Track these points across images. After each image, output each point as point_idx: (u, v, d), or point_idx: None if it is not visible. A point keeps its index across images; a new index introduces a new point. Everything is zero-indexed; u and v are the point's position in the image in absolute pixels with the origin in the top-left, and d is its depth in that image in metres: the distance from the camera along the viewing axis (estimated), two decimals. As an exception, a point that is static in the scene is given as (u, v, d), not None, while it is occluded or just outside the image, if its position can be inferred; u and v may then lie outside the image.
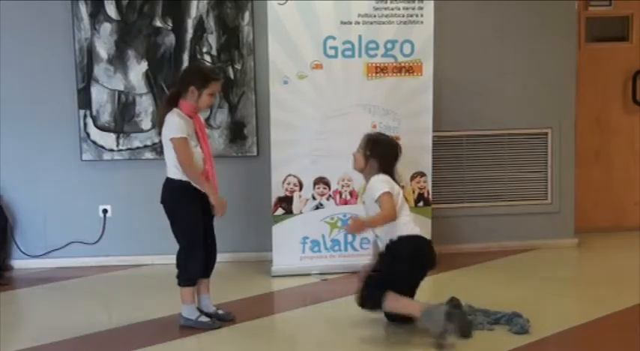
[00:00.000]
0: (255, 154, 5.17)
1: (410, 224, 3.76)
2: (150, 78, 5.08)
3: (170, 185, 3.83)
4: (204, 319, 3.89)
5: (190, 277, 3.86)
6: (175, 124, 3.73)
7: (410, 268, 3.74)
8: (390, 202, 3.65)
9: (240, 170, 5.15)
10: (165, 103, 3.88)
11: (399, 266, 3.70)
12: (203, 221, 3.84)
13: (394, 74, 4.79)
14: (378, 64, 4.77)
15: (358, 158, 3.91)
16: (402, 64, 4.79)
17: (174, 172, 3.80)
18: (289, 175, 4.77)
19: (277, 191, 4.81)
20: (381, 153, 3.88)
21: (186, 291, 3.87)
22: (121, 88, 5.09)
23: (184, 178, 3.76)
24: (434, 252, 3.80)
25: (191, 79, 3.80)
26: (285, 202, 4.80)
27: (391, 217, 3.63)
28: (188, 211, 3.78)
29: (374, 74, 4.78)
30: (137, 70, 5.08)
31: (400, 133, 4.82)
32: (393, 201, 3.67)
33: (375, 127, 4.80)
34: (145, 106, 5.10)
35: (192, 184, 3.76)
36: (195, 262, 3.81)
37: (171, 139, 3.74)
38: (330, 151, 4.74)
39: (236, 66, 5.11)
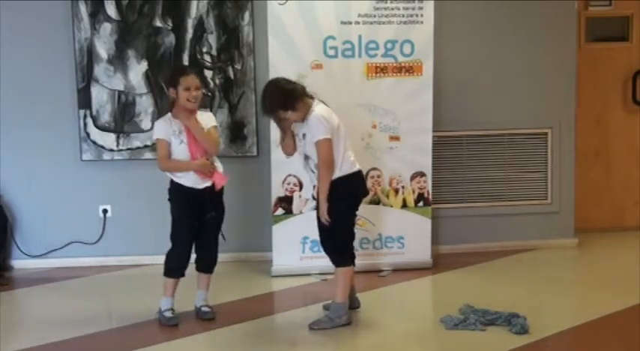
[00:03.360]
0: (255, 154, 5.18)
1: (349, 165, 3.87)
2: (150, 78, 5.08)
3: (170, 186, 4.02)
4: (167, 314, 3.99)
5: (168, 268, 4.00)
6: (156, 126, 3.96)
7: (351, 204, 3.97)
8: (329, 150, 3.75)
9: (241, 170, 5.14)
10: (169, 109, 4.04)
11: (342, 204, 3.86)
12: (194, 221, 3.95)
13: (394, 74, 4.79)
14: (378, 64, 4.78)
15: (282, 126, 3.86)
16: (402, 64, 4.80)
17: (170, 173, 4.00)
18: (289, 175, 4.77)
19: (277, 191, 4.81)
20: (293, 98, 3.77)
21: (166, 282, 4.01)
22: (121, 88, 5.09)
23: (174, 179, 3.94)
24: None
25: (167, 83, 4.02)
26: (285, 202, 4.80)
27: (330, 165, 3.76)
28: (174, 209, 3.97)
29: (374, 74, 4.78)
30: (137, 70, 5.07)
31: (400, 133, 4.85)
32: (332, 147, 3.76)
33: (375, 127, 4.83)
34: (145, 106, 5.11)
35: (185, 185, 3.90)
36: (174, 255, 3.97)
37: (155, 140, 3.97)
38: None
39: (236, 66, 5.11)
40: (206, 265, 4.09)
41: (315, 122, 3.78)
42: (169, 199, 3.99)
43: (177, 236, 3.97)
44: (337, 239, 3.95)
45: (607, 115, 5.83)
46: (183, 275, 4.01)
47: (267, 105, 3.79)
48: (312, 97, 3.88)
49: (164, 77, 5.00)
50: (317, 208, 3.96)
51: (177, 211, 3.96)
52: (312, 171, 3.91)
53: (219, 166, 4.01)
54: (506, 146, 5.38)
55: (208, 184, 3.94)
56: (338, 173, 3.82)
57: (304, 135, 3.85)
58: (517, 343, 3.64)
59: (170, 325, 3.96)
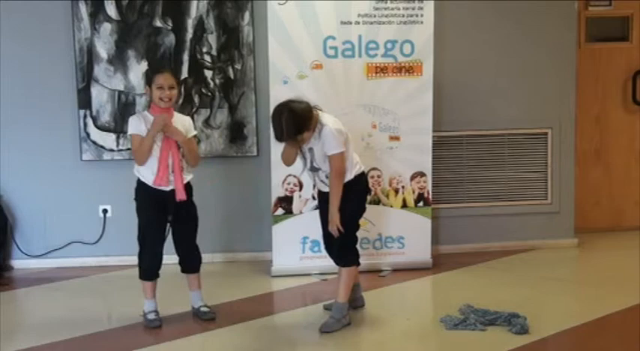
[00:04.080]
0: (255, 154, 5.17)
1: (357, 166, 3.93)
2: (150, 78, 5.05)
3: (136, 185, 3.99)
4: (149, 316, 3.97)
5: (143, 271, 3.98)
6: (130, 122, 3.94)
7: (363, 202, 4.06)
8: (343, 161, 3.82)
9: (240, 170, 5.15)
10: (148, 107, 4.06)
11: (354, 203, 3.93)
12: (164, 221, 3.92)
13: (394, 74, 4.79)
14: (378, 64, 4.78)
15: (296, 145, 3.81)
16: (402, 65, 4.79)
17: (137, 170, 3.95)
18: (289, 175, 4.76)
19: (277, 191, 4.81)
20: (308, 119, 3.73)
21: (144, 285, 4.00)
22: (121, 88, 5.09)
23: (140, 177, 3.92)
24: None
25: (145, 79, 4.17)
26: (285, 202, 4.80)
27: (343, 175, 3.83)
28: (140, 208, 3.95)
29: (374, 74, 4.79)
30: (137, 70, 5.07)
31: (400, 133, 4.85)
32: (345, 158, 3.82)
33: (375, 127, 4.84)
34: (145, 106, 5.02)
35: (149, 185, 3.86)
36: (145, 257, 3.95)
37: (129, 136, 3.98)
38: (330, 151, 4.77)
39: (236, 66, 5.11)
40: (191, 265, 4.07)
41: (330, 137, 3.76)
42: (135, 199, 3.96)
43: (145, 238, 3.93)
44: (348, 239, 3.95)
45: (607, 115, 5.83)
46: (157, 276, 3.98)
47: (286, 132, 3.68)
48: (317, 110, 3.86)
49: None
50: (321, 212, 4.02)
51: (144, 211, 3.93)
52: (322, 181, 3.93)
53: (187, 177, 3.96)
54: (506, 146, 5.37)
55: (171, 186, 3.89)
56: (349, 176, 3.86)
57: (311, 149, 3.86)
58: (517, 343, 3.63)
59: (152, 327, 3.94)
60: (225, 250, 5.16)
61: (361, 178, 3.96)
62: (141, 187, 3.93)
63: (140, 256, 3.97)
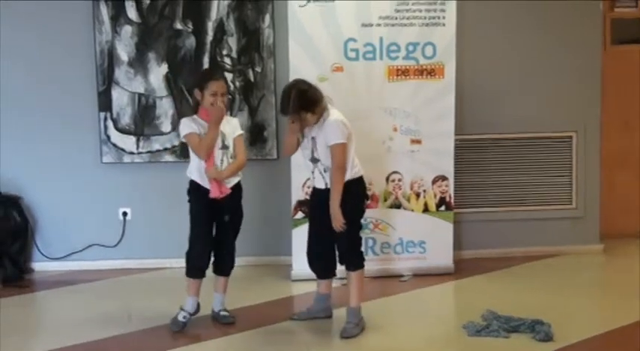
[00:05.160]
0: (275, 157, 5.18)
1: (356, 168, 3.94)
2: (170, 80, 5.10)
3: (188, 186, 4.07)
4: (181, 316, 4.00)
5: (189, 268, 4.02)
6: (182, 124, 3.99)
7: (363, 204, 4.08)
8: (344, 154, 3.84)
9: (261, 173, 5.15)
10: (193, 111, 4.08)
11: (356, 204, 3.95)
12: (212, 220, 4.01)
13: (416, 77, 4.78)
14: (399, 67, 4.77)
15: (297, 126, 3.87)
16: (424, 67, 4.78)
17: (189, 172, 4.03)
18: (309, 179, 4.62)
19: (297, 194, 4.81)
20: (315, 101, 3.84)
21: (189, 282, 4.04)
22: (142, 90, 5.11)
23: (192, 178, 4.00)
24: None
25: (194, 83, 4.08)
26: (306, 205, 4.76)
27: (344, 169, 3.85)
28: (192, 207, 4.03)
29: (395, 77, 4.77)
30: (157, 72, 5.09)
31: (422, 136, 4.83)
32: (347, 151, 3.85)
33: (396, 130, 4.82)
34: (166, 108, 5.13)
35: (201, 184, 3.96)
36: (194, 254, 4.00)
37: (184, 137, 3.98)
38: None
39: (256, 69, 5.12)
40: (223, 267, 4.11)
41: (333, 126, 3.84)
42: (189, 201, 4.04)
43: (195, 236, 4.00)
44: (354, 240, 3.97)
45: (634, 118, 5.74)
46: (204, 275, 4.03)
47: (292, 105, 3.81)
48: (328, 102, 3.93)
49: (184, 80, 5.06)
50: (312, 211, 4.11)
51: (192, 208, 4.01)
52: (321, 173, 3.95)
53: (233, 179, 4.03)
54: (530, 150, 5.33)
55: (228, 185, 3.99)
56: (348, 175, 3.87)
57: (313, 138, 3.90)
58: (541, 350, 3.60)
59: (175, 328, 3.98)
60: (244, 254, 5.01)
61: (360, 182, 3.97)
62: (193, 188, 4.00)
63: (188, 254, 4.02)
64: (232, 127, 4.05)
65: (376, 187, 4.84)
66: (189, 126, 3.94)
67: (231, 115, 4.97)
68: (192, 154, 3.99)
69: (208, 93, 3.90)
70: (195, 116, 4.00)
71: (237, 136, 4.04)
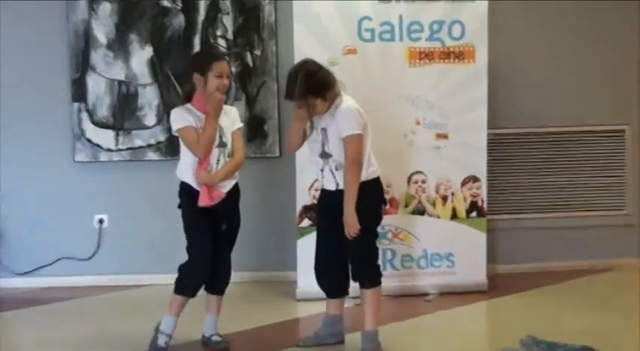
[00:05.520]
0: (277, 154, 5.18)
1: (372, 167, 3.92)
2: (155, 66, 5.11)
3: (179, 188, 4.03)
4: (161, 340, 3.93)
5: (185, 285, 3.94)
6: (175, 116, 3.93)
7: (381, 210, 4.06)
8: (360, 148, 3.82)
9: (260, 174, 5.14)
10: (183, 100, 4.06)
11: (372, 209, 3.93)
12: (211, 228, 3.95)
13: (441, 61, 4.78)
14: (422, 49, 4.76)
15: (305, 113, 3.84)
16: (451, 49, 4.79)
17: (179, 172, 3.99)
18: (318, 180, 4.55)
19: (303, 198, 4.80)
20: (326, 85, 3.82)
21: (174, 300, 3.96)
22: (122, 77, 5.12)
23: (184, 180, 3.96)
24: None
25: (192, 66, 4.00)
26: (313, 211, 4.74)
27: (360, 165, 3.83)
28: (186, 214, 3.98)
29: (417, 61, 4.76)
30: (140, 56, 5.10)
31: (449, 130, 4.85)
32: (363, 145, 3.84)
33: (418, 123, 4.83)
34: (150, 98, 5.12)
35: (194, 187, 3.91)
36: (192, 270, 3.93)
37: (177, 131, 3.92)
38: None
39: (255, 52, 5.12)
40: (218, 284, 4.05)
41: (347, 115, 3.82)
42: (180, 206, 4.00)
43: (195, 246, 3.92)
44: (369, 252, 3.94)
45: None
46: (194, 295, 3.97)
47: (298, 89, 3.77)
48: (340, 89, 3.91)
49: (172, 65, 5.08)
50: (320, 216, 4.10)
51: (191, 216, 3.95)
52: (332, 172, 3.91)
53: (229, 181, 3.98)
54: (575, 146, 5.36)
55: (223, 189, 3.95)
56: (364, 176, 3.85)
57: (324, 130, 3.88)
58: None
59: None
60: (241, 269, 4.99)
61: (376, 184, 3.96)
62: (185, 190, 3.95)
63: (185, 267, 3.95)
64: (231, 119, 4.01)
65: (396, 189, 4.83)
66: (184, 118, 3.87)
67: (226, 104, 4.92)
68: (183, 152, 3.94)
69: (213, 75, 3.85)
70: (188, 105, 3.95)
71: (236, 129, 4.00)
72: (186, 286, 3.93)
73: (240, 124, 4.07)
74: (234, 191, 4.03)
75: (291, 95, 3.83)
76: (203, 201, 3.86)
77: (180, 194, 3.99)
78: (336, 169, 3.87)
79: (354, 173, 3.79)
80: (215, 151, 3.89)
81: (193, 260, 3.92)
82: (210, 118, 3.84)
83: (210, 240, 3.95)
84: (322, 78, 3.82)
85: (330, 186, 3.92)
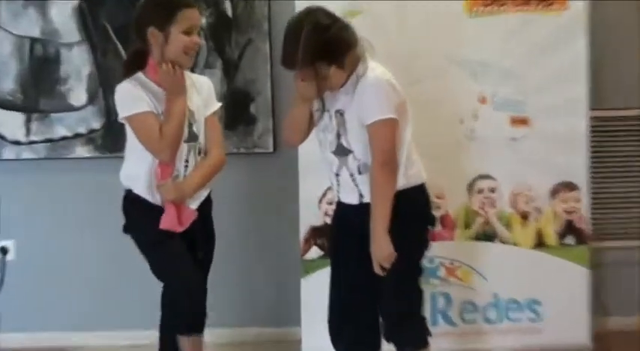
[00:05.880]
0: (269, 149, 5.50)
1: (414, 168, 4.15)
2: (85, 15, 5.40)
3: (124, 200, 4.31)
4: None
5: (188, 322, 4.33)
6: (123, 95, 4.19)
7: (427, 234, 4.25)
8: (394, 139, 4.04)
9: (246, 177, 5.45)
10: (125, 68, 4.31)
11: (414, 234, 4.16)
12: (184, 242, 4.27)
13: (518, 8, 5.12)
14: None
15: (312, 89, 4.09)
16: (533, -9, 4.80)
17: (126, 178, 4.29)
18: (331, 188, 4.64)
19: (310, 216, 5.13)
20: (343, 46, 4.04)
21: (183, 343, 4.34)
22: (36, 33, 5.44)
23: (134, 189, 4.26)
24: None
25: (147, 16, 4.23)
26: (325, 235, 5.03)
27: (395, 165, 4.06)
28: (141, 236, 4.29)
29: (481, 8, 5.08)
30: (64, 1, 5.41)
31: (529, 112, 5.15)
32: (399, 135, 4.05)
33: (484, 101, 5.16)
34: (77, 64, 5.44)
35: (150, 201, 4.25)
36: (177, 293, 4.31)
37: (126, 119, 4.19)
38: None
39: None
40: (194, 320, 4.29)
41: (375, 91, 3.98)
42: (126, 228, 4.30)
43: (171, 267, 4.24)
44: (410, 296, 4.15)
45: None
46: (202, 329, 4.32)
47: (302, 53, 3.91)
48: (364, 51, 4.05)
49: (110, 14, 5.39)
50: (337, 240, 4.34)
51: (150, 235, 4.22)
52: (352, 176, 4.11)
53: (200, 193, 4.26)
54: None
55: (194, 205, 4.27)
56: (402, 181, 4.05)
57: (340, 112, 4.06)
58: None
59: None
60: (224, 324, 5.41)
61: (420, 193, 4.16)
62: (135, 202, 4.26)
63: (168, 294, 4.30)
64: (204, 96, 4.28)
65: (450, 202, 5.12)
66: (135, 97, 4.12)
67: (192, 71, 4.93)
68: (132, 148, 4.19)
69: (178, 29, 4.10)
70: (141, 76, 4.18)
71: (210, 114, 4.29)
72: (188, 324, 4.27)
73: (218, 105, 4.29)
74: (207, 203, 4.33)
75: (292, 61, 3.96)
76: (168, 223, 4.11)
77: (127, 210, 4.26)
78: (359, 173, 4.05)
79: (386, 178, 3.96)
80: (183, 148, 4.13)
81: (177, 283, 4.23)
82: (174, 97, 4.07)
83: (189, 254, 4.25)
84: (337, 35, 3.96)
85: (351, 198, 4.12)
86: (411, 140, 4.06)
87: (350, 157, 4.05)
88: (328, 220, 4.97)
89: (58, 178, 5.60)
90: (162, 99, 4.10)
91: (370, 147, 3.96)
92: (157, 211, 4.16)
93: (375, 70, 4.02)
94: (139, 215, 4.23)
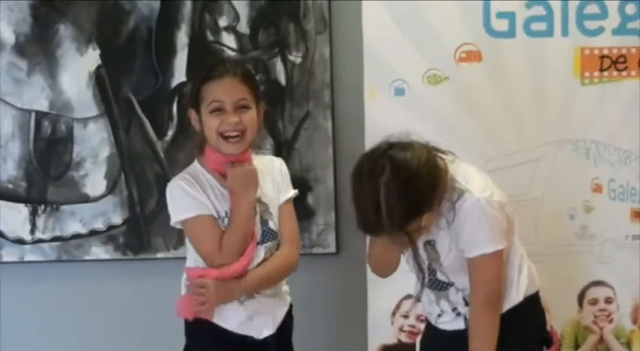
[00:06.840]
0: (332, 249, 5.35)
1: (527, 277, 3.97)
2: (105, 85, 5.22)
3: (185, 327, 4.18)
4: None
5: None
6: (175, 192, 4.05)
7: None
8: (501, 272, 3.84)
9: (302, 283, 5.02)
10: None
11: None
12: None
13: None
14: (605, 52, 4.89)
15: (414, 238, 3.78)
16: (662, 50, 5.01)
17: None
18: (407, 297, 4.75)
19: (379, 331, 4.87)
20: (433, 186, 3.68)
21: None
22: (43, 106, 5.23)
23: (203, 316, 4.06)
24: None
25: (188, 92, 4.26)
26: None
27: (500, 300, 3.84)
28: None
29: (597, 73, 4.84)
30: (79, 66, 5.24)
31: None
32: (504, 267, 3.88)
33: (598, 190, 4.87)
34: (94, 144, 5.25)
35: (228, 329, 4.04)
36: None
37: (180, 224, 4.08)
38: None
39: (290, 57, 5.22)
40: None
41: (478, 219, 3.77)
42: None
43: None
44: None
45: None
46: None
47: (388, 216, 3.63)
48: (446, 158, 3.85)
49: (136, 82, 5.17)
50: None
51: None
52: (455, 310, 3.94)
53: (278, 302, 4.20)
54: None
55: (270, 329, 4.13)
56: (514, 298, 3.93)
57: (430, 243, 3.87)
58: None
59: None
60: None
61: (534, 306, 4.06)
62: (202, 331, 4.10)
63: None
64: (276, 180, 4.22)
65: (555, 315, 4.83)
66: (188, 199, 4.01)
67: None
68: (194, 252, 4.09)
69: (207, 110, 3.96)
70: (196, 166, 4.11)
71: (284, 202, 4.21)
72: None
73: (293, 192, 4.21)
74: (288, 321, 4.27)
75: (377, 231, 3.74)
76: (186, 312, 3.94)
77: (191, 335, 4.15)
78: (466, 304, 3.90)
79: (491, 320, 3.82)
80: (259, 251, 4.05)
81: None
82: (242, 196, 3.94)
83: None
84: (426, 178, 3.68)
85: (452, 325, 3.95)
86: (519, 246, 3.94)
87: (451, 291, 3.89)
88: (403, 338, 4.86)
89: (69, 285, 5.34)
90: (222, 193, 3.96)
91: (470, 280, 3.79)
92: (221, 336, 4.03)
93: (473, 185, 3.76)
94: (201, 343, 4.09)
